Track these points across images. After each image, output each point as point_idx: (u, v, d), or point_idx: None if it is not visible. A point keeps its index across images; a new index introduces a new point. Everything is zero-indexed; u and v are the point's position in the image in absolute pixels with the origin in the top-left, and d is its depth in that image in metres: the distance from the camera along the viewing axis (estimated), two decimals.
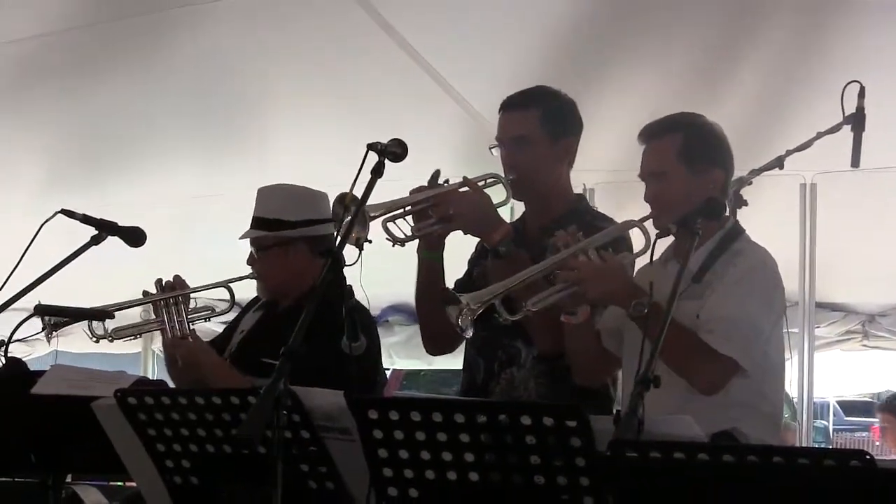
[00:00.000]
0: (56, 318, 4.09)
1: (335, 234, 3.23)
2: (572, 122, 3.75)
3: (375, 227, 3.32)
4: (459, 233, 3.57)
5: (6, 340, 3.74)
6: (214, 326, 5.57)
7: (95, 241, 3.90)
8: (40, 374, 3.45)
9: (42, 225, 3.79)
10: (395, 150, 3.13)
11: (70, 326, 4.16)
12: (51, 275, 3.80)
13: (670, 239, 3.35)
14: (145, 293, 4.13)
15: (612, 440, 2.34)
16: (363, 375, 3.48)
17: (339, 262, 2.89)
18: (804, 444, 6.29)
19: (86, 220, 3.90)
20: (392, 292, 6.64)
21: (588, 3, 5.43)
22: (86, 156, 6.76)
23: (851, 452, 2.18)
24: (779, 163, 3.64)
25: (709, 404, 3.16)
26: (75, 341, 5.03)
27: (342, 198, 3.25)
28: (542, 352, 3.60)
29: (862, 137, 3.76)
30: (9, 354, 3.70)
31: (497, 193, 3.61)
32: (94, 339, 4.14)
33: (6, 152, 6.72)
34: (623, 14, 5.42)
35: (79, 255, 3.87)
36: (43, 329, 4.08)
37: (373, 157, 3.09)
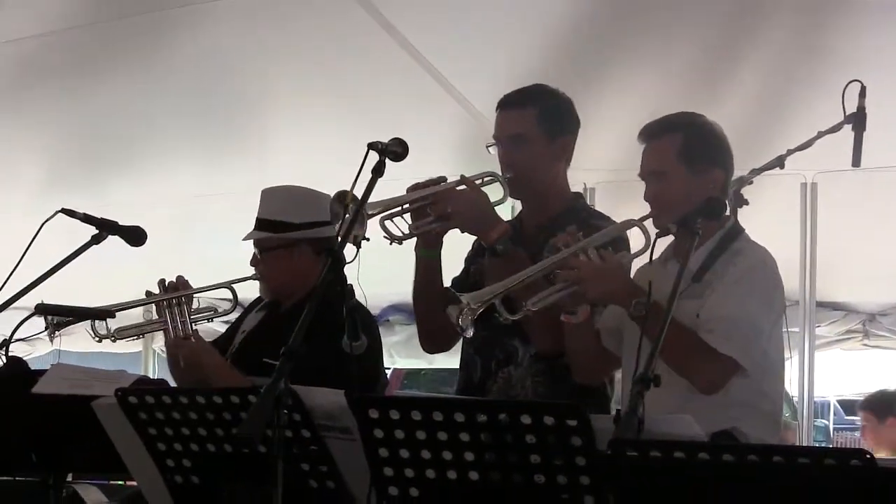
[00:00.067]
0: (58, 317, 4.09)
1: (326, 227, 3.24)
2: (569, 121, 3.75)
3: (373, 225, 3.31)
4: (457, 231, 3.57)
5: (7, 340, 3.74)
6: (216, 326, 5.57)
7: (96, 240, 3.90)
8: (41, 373, 3.45)
9: (42, 224, 3.79)
10: (395, 150, 3.13)
11: (72, 326, 4.16)
12: (51, 274, 3.80)
13: (669, 238, 3.35)
14: (148, 293, 4.13)
15: (612, 439, 2.34)
16: (364, 375, 3.48)
17: (340, 261, 2.89)
18: (804, 444, 6.29)
19: (86, 219, 3.90)
20: (392, 291, 6.63)
21: (588, 2, 5.44)
22: (86, 155, 6.77)
23: (852, 451, 2.18)
24: (779, 162, 3.64)
25: (709, 403, 3.16)
26: (76, 341, 5.03)
27: (340, 196, 3.25)
28: (541, 351, 3.60)
29: (863, 137, 3.76)
30: (10, 354, 3.70)
31: (494, 192, 3.61)
32: (97, 338, 4.14)
33: (7, 152, 6.73)
34: (623, 14, 5.42)
35: (79, 254, 3.87)
36: (46, 328, 4.08)
37: (373, 157, 3.09)
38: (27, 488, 3.60)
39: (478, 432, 2.48)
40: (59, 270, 3.82)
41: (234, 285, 4.29)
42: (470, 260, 3.86)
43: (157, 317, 4.15)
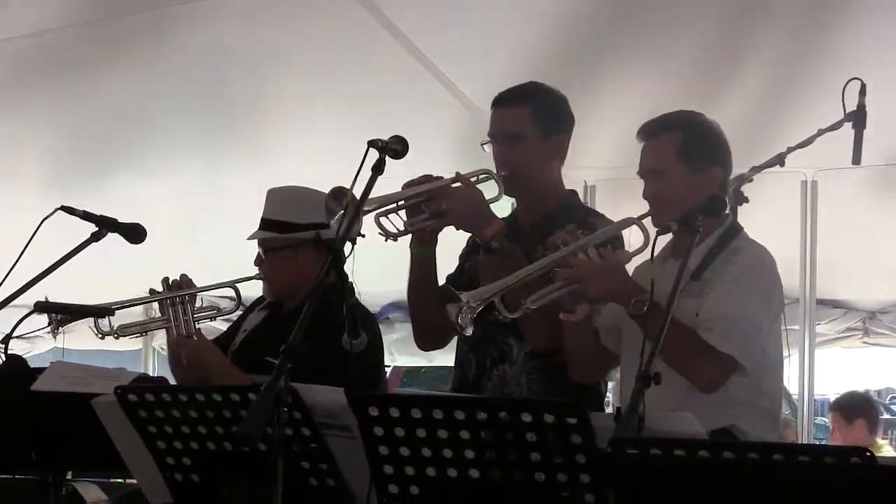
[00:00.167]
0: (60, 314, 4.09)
1: (326, 226, 3.24)
2: (564, 119, 3.75)
3: (368, 222, 3.31)
4: (451, 228, 3.57)
5: (7, 336, 3.74)
6: (216, 325, 5.57)
7: (95, 237, 3.90)
8: (41, 370, 3.45)
9: (42, 222, 3.79)
10: (395, 147, 3.13)
11: (73, 324, 4.16)
12: (50, 272, 3.79)
13: (669, 236, 3.35)
14: (152, 291, 4.13)
15: (612, 437, 2.34)
16: (364, 373, 3.48)
17: (340, 259, 2.89)
18: (805, 441, 6.29)
19: (86, 216, 3.90)
20: (393, 289, 6.63)
21: (589, 2, 5.43)
22: (87, 153, 6.77)
23: (852, 450, 2.18)
24: (780, 160, 3.63)
25: (708, 401, 3.16)
26: (77, 339, 5.03)
27: (335, 193, 3.25)
28: (535, 349, 3.60)
29: (863, 135, 3.76)
30: (9, 352, 3.70)
31: (489, 189, 3.61)
32: (100, 335, 4.14)
33: (7, 150, 6.72)
34: (623, 13, 5.42)
35: (78, 251, 3.87)
36: (50, 324, 4.08)
37: (373, 154, 3.09)
38: (27, 486, 3.60)
39: (478, 430, 2.48)
40: (61, 268, 3.82)
41: (236, 285, 4.29)
42: (464, 257, 3.86)
43: (160, 315, 4.15)
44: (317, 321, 2.71)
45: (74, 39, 5.83)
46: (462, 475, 2.53)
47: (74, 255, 3.86)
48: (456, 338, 3.80)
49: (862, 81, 3.72)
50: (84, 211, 3.91)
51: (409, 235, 3.57)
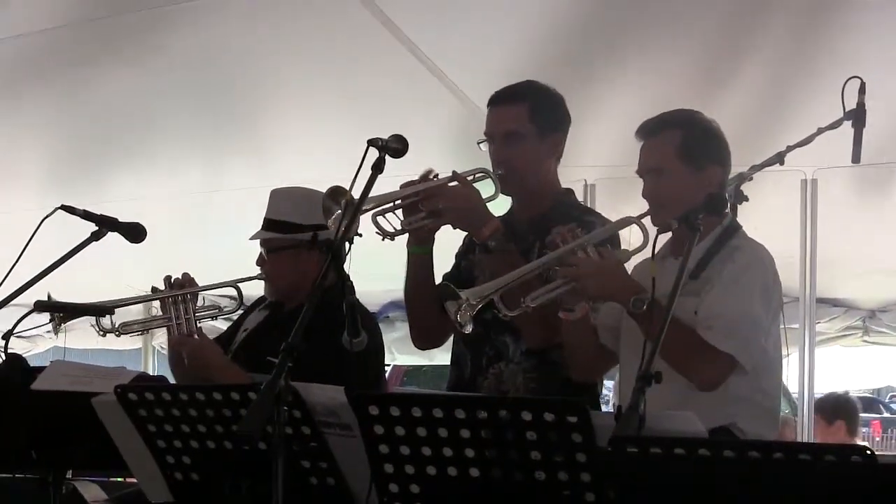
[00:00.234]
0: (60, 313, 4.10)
1: (327, 227, 3.25)
2: (561, 117, 3.75)
3: (365, 222, 3.31)
4: (447, 227, 3.57)
5: (9, 331, 3.74)
6: (217, 324, 5.57)
7: (95, 237, 3.90)
8: (40, 370, 3.45)
9: (42, 221, 3.79)
10: (395, 146, 3.13)
11: (73, 323, 4.17)
12: (51, 271, 3.80)
13: (668, 234, 3.35)
14: (154, 289, 4.14)
15: (613, 436, 2.34)
16: (364, 371, 3.48)
17: (340, 258, 2.89)
18: (805, 440, 6.29)
19: (86, 215, 3.91)
20: (393, 288, 6.64)
21: (589, 1, 5.43)
22: (87, 153, 6.77)
23: (853, 448, 2.18)
24: (779, 158, 3.63)
25: (707, 400, 3.16)
26: (77, 337, 5.04)
27: (332, 192, 3.25)
28: (530, 345, 3.60)
29: (862, 133, 3.76)
30: (9, 351, 3.70)
31: (486, 188, 3.61)
32: (102, 332, 4.14)
33: (7, 149, 6.73)
34: (624, 11, 5.41)
35: (78, 251, 3.88)
36: (52, 320, 4.08)
37: (373, 153, 3.09)
38: (27, 485, 3.60)
39: (478, 429, 2.48)
40: (61, 267, 3.82)
41: (238, 284, 4.29)
42: (461, 255, 3.86)
43: (161, 313, 4.16)
44: (317, 320, 2.71)
45: (74, 38, 5.83)
46: (462, 474, 2.53)
47: (74, 254, 3.86)
48: (452, 336, 3.81)
49: (861, 80, 3.72)
50: (84, 210, 3.91)
51: (406, 235, 3.58)
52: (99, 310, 4.10)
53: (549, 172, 3.77)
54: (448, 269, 3.85)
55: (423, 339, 3.90)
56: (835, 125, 3.72)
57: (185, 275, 4.13)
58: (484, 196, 3.56)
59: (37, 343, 7.81)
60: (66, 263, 3.83)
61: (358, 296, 3.26)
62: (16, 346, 3.79)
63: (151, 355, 8.59)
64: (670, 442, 2.30)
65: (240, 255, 4.38)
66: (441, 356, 3.93)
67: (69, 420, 3.23)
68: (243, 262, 4.24)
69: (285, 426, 2.56)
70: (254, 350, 3.97)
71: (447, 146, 5.74)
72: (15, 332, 3.79)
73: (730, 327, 3.18)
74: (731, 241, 3.34)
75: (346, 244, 3.00)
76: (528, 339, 3.60)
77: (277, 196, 4.13)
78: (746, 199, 3.45)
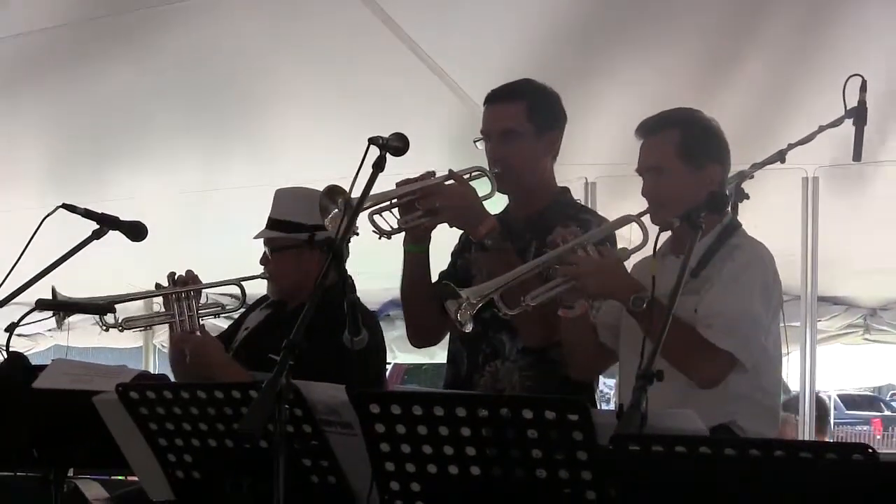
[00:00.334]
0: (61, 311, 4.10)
1: (324, 225, 3.25)
2: (557, 116, 3.75)
3: (362, 220, 3.31)
4: (443, 225, 3.57)
5: (13, 324, 3.74)
6: (218, 322, 5.58)
7: (96, 235, 3.90)
8: (42, 368, 3.45)
9: (43, 220, 3.79)
10: (396, 144, 3.13)
11: (75, 322, 4.17)
12: (51, 270, 3.80)
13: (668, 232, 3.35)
14: (158, 286, 4.14)
15: (614, 434, 2.34)
16: (365, 369, 3.48)
17: (341, 257, 2.89)
18: (806, 438, 6.29)
19: (87, 214, 3.91)
20: (393, 287, 6.64)
21: None
22: (88, 152, 6.77)
23: (854, 446, 2.18)
24: (780, 156, 3.63)
25: (707, 398, 3.16)
26: (78, 335, 5.04)
27: (330, 191, 3.25)
28: (528, 344, 3.60)
29: (864, 131, 3.76)
30: (10, 349, 3.70)
31: (482, 186, 3.61)
32: (104, 328, 4.14)
33: (8, 147, 6.73)
34: (625, 8, 5.41)
35: (79, 249, 3.88)
36: (54, 315, 4.08)
37: (374, 151, 3.08)
38: (28, 484, 3.60)
39: (479, 427, 2.48)
40: (62, 265, 3.82)
41: (242, 283, 4.30)
42: (457, 254, 3.86)
43: (164, 310, 4.16)
44: (318, 319, 2.71)
45: (74, 38, 5.83)
46: (463, 472, 2.53)
47: (75, 252, 3.86)
48: (448, 334, 3.81)
49: (863, 78, 3.72)
50: (85, 209, 3.92)
51: (403, 233, 3.58)
52: (100, 308, 4.10)
53: (546, 171, 3.77)
54: (444, 267, 3.85)
55: (420, 337, 3.90)
56: (836, 123, 3.72)
57: (189, 272, 4.14)
58: (480, 194, 3.56)
59: (38, 341, 7.83)
60: (67, 262, 3.83)
61: (358, 294, 3.27)
62: (17, 344, 3.80)
63: (152, 354, 8.59)
64: (671, 440, 2.30)
65: (240, 253, 4.39)
66: (442, 354, 3.93)
67: (70, 418, 3.24)
68: (243, 261, 4.24)
69: (286, 424, 2.56)
70: (255, 348, 3.97)
71: (447, 144, 5.74)
72: (19, 324, 3.79)
73: (730, 325, 3.18)
74: (730, 240, 3.34)
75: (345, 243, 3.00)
76: (526, 338, 3.60)
77: (281, 196, 4.14)
78: (747, 197, 3.45)
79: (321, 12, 5.58)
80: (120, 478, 4.42)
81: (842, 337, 7.03)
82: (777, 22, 5.31)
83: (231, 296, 4.43)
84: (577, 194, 4.31)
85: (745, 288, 3.24)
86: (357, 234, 3.16)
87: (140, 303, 5.35)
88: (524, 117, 3.66)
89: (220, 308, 4.32)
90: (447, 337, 3.87)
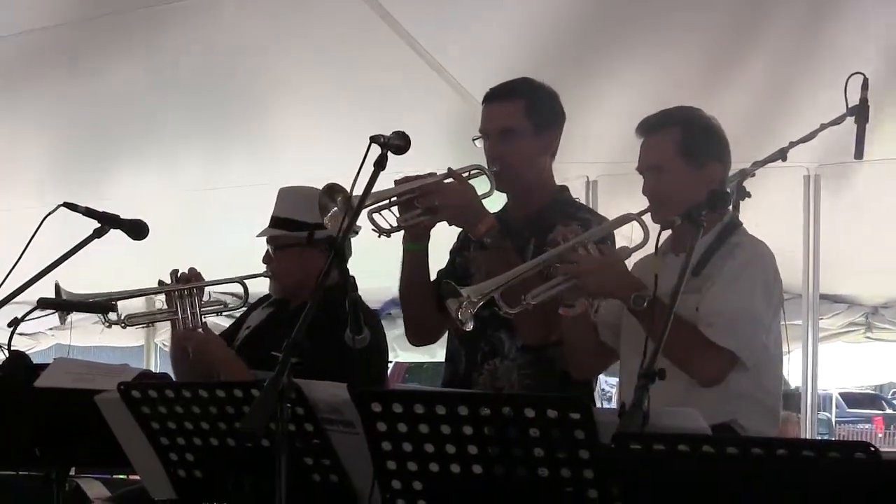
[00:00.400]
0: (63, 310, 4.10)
1: (322, 223, 3.25)
2: (556, 114, 3.75)
3: (361, 219, 3.31)
4: (442, 223, 3.57)
5: (18, 319, 3.75)
6: (219, 321, 5.57)
7: (98, 234, 3.90)
8: (43, 367, 3.45)
9: (44, 218, 3.80)
10: (397, 143, 3.12)
11: (76, 320, 4.17)
12: (52, 269, 3.80)
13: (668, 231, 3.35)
14: (161, 283, 4.15)
15: (616, 432, 2.34)
16: (367, 368, 3.48)
17: (343, 255, 2.89)
18: (808, 437, 6.29)
19: (88, 213, 3.91)
20: (395, 285, 6.64)
21: None
22: (89, 151, 6.77)
23: (856, 445, 2.18)
24: (782, 154, 3.62)
25: (708, 396, 3.16)
26: (80, 334, 5.04)
27: (329, 189, 3.25)
28: (527, 342, 3.60)
29: (865, 129, 3.75)
30: (12, 348, 3.71)
31: (481, 184, 3.61)
32: (107, 324, 4.15)
33: (9, 146, 6.73)
34: (626, 6, 5.41)
35: (80, 248, 3.88)
36: (56, 311, 4.09)
37: (375, 150, 3.08)
38: (30, 483, 3.60)
39: (481, 426, 2.48)
40: (64, 263, 3.82)
41: (245, 281, 4.30)
42: (455, 252, 3.86)
43: (167, 307, 4.16)
44: (320, 317, 2.71)
45: (74, 36, 5.83)
46: (465, 471, 2.53)
47: (76, 251, 3.86)
48: (447, 332, 3.81)
49: (864, 75, 3.71)
50: (86, 207, 3.91)
51: (402, 232, 3.58)
52: (101, 306, 4.11)
53: (545, 169, 3.76)
54: (443, 265, 3.85)
55: (418, 335, 3.90)
56: (838, 121, 3.71)
57: (192, 269, 4.15)
58: (479, 193, 3.56)
59: (39, 340, 7.83)
60: (68, 260, 3.83)
61: (359, 293, 3.27)
62: (19, 343, 3.80)
63: (154, 353, 8.60)
64: (674, 438, 2.30)
65: (241, 252, 4.39)
66: (443, 353, 3.93)
67: (72, 417, 3.24)
68: (244, 260, 4.24)
69: (288, 423, 2.56)
70: (257, 347, 3.97)
71: (446, 141, 5.74)
72: (24, 320, 3.79)
73: (730, 324, 3.18)
74: (731, 238, 3.34)
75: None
76: (526, 337, 3.60)
77: (285, 194, 4.14)
78: (749, 195, 3.45)
79: (321, 10, 5.58)
80: (122, 477, 4.43)
81: (843, 335, 7.03)
82: (778, 20, 5.31)
83: (233, 294, 4.44)
84: (578, 193, 4.32)
85: (746, 286, 3.24)
86: (357, 234, 3.16)
87: (142, 300, 5.36)
88: (522, 116, 3.65)
89: (222, 306, 4.32)
90: (446, 335, 3.87)
